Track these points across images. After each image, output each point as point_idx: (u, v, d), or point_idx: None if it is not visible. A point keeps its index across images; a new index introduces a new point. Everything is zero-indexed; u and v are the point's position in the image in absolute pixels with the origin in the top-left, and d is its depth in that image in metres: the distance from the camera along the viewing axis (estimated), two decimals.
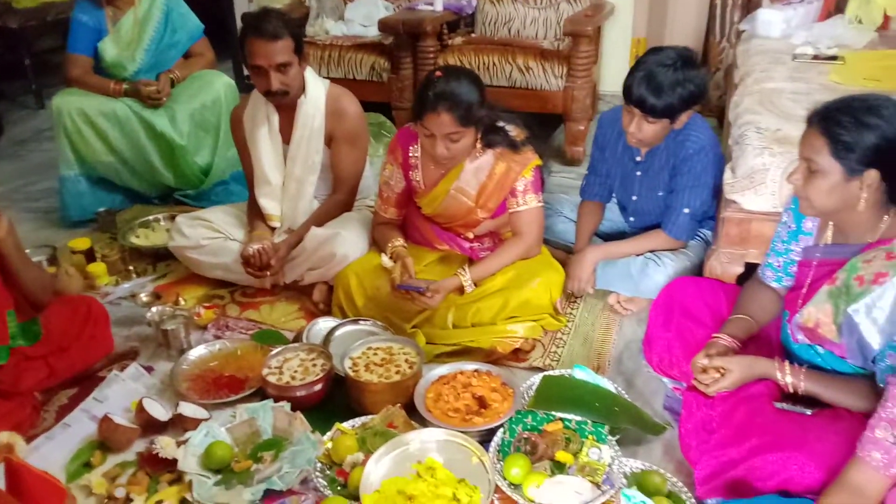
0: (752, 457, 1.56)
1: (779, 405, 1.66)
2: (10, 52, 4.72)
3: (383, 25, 3.61)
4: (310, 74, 2.53)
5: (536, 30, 3.79)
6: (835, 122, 1.53)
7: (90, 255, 2.76)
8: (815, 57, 2.94)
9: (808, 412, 1.63)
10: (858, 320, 1.56)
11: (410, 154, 2.34)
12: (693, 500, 1.67)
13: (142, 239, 2.94)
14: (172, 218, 2.84)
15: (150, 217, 3.06)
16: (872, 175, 1.52)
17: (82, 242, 2.77)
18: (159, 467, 1.83)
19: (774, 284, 1.90)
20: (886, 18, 3.13)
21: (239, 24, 4.53)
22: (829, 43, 3.05)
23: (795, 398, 1.69)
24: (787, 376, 1.68)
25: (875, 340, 1.54)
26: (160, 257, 2.85)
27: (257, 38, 2.33)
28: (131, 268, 2.78)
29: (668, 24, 4.04)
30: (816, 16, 3.33)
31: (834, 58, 2.92)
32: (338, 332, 2.26)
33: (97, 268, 2.69)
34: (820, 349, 1.70)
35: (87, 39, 3.11)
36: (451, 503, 1.63)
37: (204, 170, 3.25)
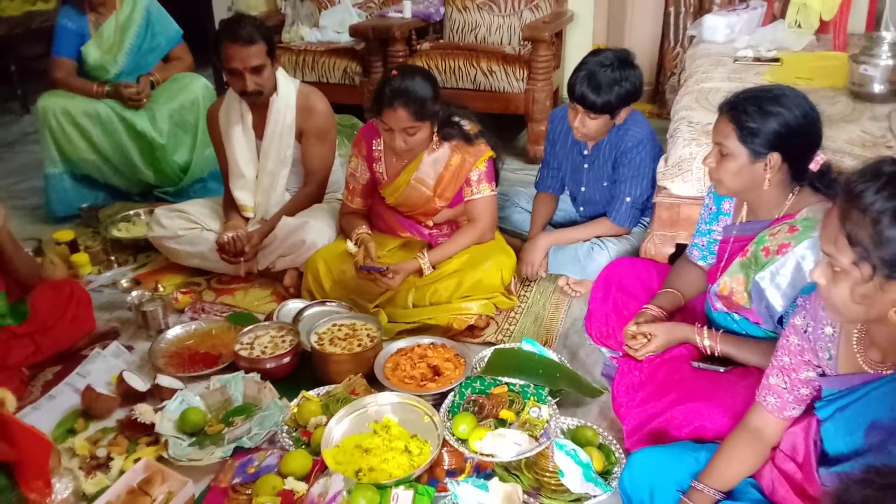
0: (670, 409, 1.74)
1: (696, 364, 1.84)
2: None
3: (354, 31, 3.80)
4: (281, 74, 2.71)
5: (501, 36, 4.00)
6: (741, 110, 1.72)
7: (74, 246, 2.92)
8: (757, 59, 3.16)
9: (722, 370, 1.82)
10: (764, 286, 1.75)
11: (374, 147, 2.52)
12: (621, 452, 1.86)
13: (123, 232, 3.10)
14: (152, 213, 2.99)
15: (131, 212, 3.22)
16: (775, 157, 1.71)
17: (66, 234, 2.93)
18: (138, 431, 1.99)
19: (700, 262, 2.09)
20: (823, 23, 3.36)
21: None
22: (770, 46, 3.27)
23: (713, 359, 1.87)
24: (705, 340, 1.86)
25: (778, 303, 1.74)
26: (140, 249, 3.01)
27: (233, 42, 2.51)
28: (113, 258, 2.94)
29: (626, 31, 4.27)
30: (760, 21, 3.56)
31: (775, 60, 3.14)
32: (306, 313, 2.43)
33: (80, 258, 2.84)
34: (736, 316, 1.89)
35: (71, 44, 3.27)
36: (404, 454, 1.81)
37: (183, 168, 3.41)
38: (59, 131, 3.21)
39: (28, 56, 5.03)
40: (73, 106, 3.20)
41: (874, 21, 3.38)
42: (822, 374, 1.42)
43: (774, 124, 1.68)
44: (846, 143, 2.23)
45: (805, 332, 1.42)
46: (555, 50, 3.83)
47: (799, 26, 3.37)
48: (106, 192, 3.45)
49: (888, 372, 1.26)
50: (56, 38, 3.27)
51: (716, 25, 3.42)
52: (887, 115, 2.43)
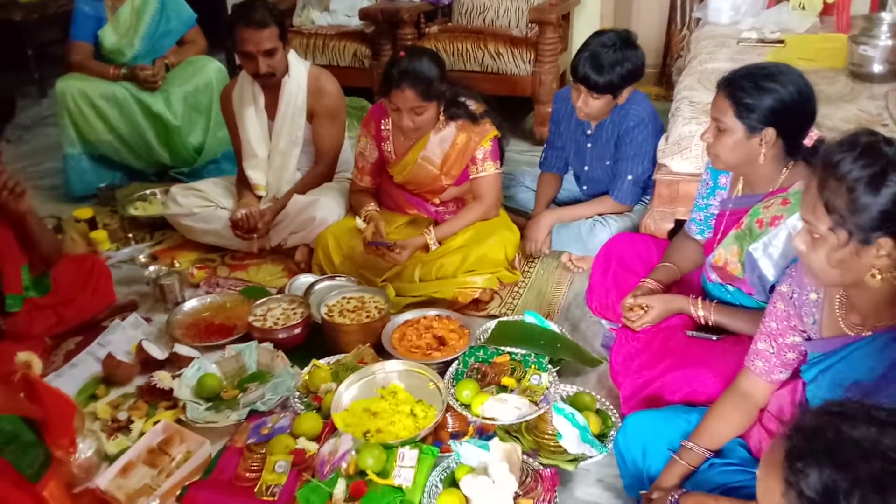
0: (664, 375, 1.81)
1: (690, 333, 1.91)
2: (14, 44, 4.95)
3: (364, 14, 3.87)
4: (293, 57, 2.78)
5: (509, 19, 4.04)
6: (738, 86, 1.77)
7: (92, 224, 3.02)
8: (761, 40, 3.20)
9: (714, 338, 1.89)
10: (757, 257, 1.81)
11: (382, 127, 2.60)
12: (618, 416, 1.94)
13: (140, 210, 3.19)
14: (168, 192, 3.08)
15: (147, 191, 3.31)
16: (770, 133, 1.76)
17: (85, 212, 3.03)
18: (157, 397, 2.09)
19: (698, 237, 2.15)
20: (827, 5, 3.39)
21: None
22: (774, 28, 3.31)
23: (707, 329, 1.94)
24: (700, 310, 1.93)
25: (770, 273, 1.80)
26: (156, 227, 3.10)
27: (246, 26, 2.58)
28: (130, 235, 3.04)
29: (633, 14, 4.31)
30: (765, 3, 3.59)
31: (779, 41, 3.18)
32: (317, 287, 2.52)
33: (99, 234, 2.94)
34: (730, 288, 1.96)
35: (88, 28, 3.36)
36: (409, 418, 1.90)
37: (197, 149, 3.50)
38: (77, 113, 3.30)
39: (45, 41, 5.11)
40: (90, 88, 3.29)
41: (878, 3, 3.40)
42: (808, 339, 1.49)
43: (770, 100, 1.73)
44: (842, 122, 2.28)
45: (791, 298, 1.48)
46: (562, 33, 3.88)
47: (803, 8, 3.40)
48: (122, 173, 3.54)
49: (867, 334, 1.32)
50: (73, 22, 3.36)
51: (720, 7, 3.46)
52: (885, 95, 2.48)
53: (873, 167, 1.14)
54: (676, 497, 1.50)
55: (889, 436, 0.70)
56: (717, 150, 1.84)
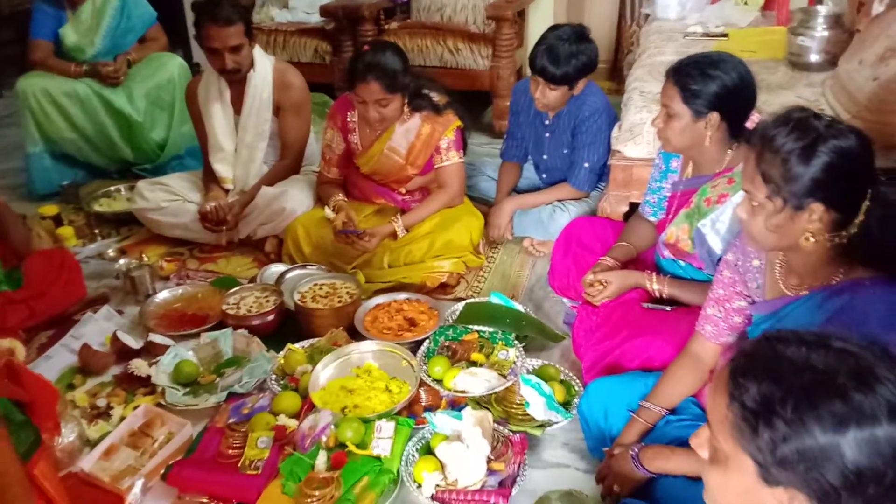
0: (622, 345, 1.94)
1: (645, 305, 2.04)
2: None
3: (325, 11, 3.93)
4: (258, 52, 2.84)
5: (466, 15, 4.14)
6: (685, 74, 1.91)
7: (58, 221, 3.02)
8: (706, 34, 3.37)
9: (668, 309, 2.02)
10: (705, 232, 1.95)
11: (348, 119, 2.68)
12: (580, 386, 2.06)
13: (105, 206, 3.21)
14: (132, 188, 3.11)
15: (112, 188, 3.33)
16: (715, 117, 1.89)
17: (51, 209, 3.04)
18: (134, 384, 2.14)
19: (652, 218, 2.28)
20: (767, 0, 3.58)
21: (189, 14, 4.79)
22: (718, 22, 3.48)
23: (661, 301, 2.08)
24: (654, 284, 2.07)
25: (718, 247, 1.94)
26: (122, 222, 3.13)
27: (213, 23, 2.63)
28: (96, 231, 3.06)
29: (585, 11, 4.46)
30: None
31: (723, 35, 3.36)
32: (288, 275, 2.59)
33: (65, 231, 2.96)
34: (682, 263, 2.09)
35: (48, 26, 3.36)
36: (385, 393, 1.99)
37: (160, 145, 3.52)
38: (40, 111, 3.30)
39: (0, 41, 5.04)
40: (52, 86, 3.29)
41: None
42: (752, 303, 1.62)
43: (714, 86, 1.87)
44: (781, 108, 2.42)
45: (736, 265, 1.62)
46: (517, 29, 4.00)
47: (745, 3, 3.58)
48: (85, 171, 3.54)
49: (805, 293, 1.46)
50: (33, 20, 3.35)
51: (668, 3, 3.62)
52: (822, 83, 2.65)
53: (804, 140, 1.27)
54: (636, 450, 1.62)
55: (817, 354, 0.82)
56: (666, 134, 1.97)
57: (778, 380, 0.81)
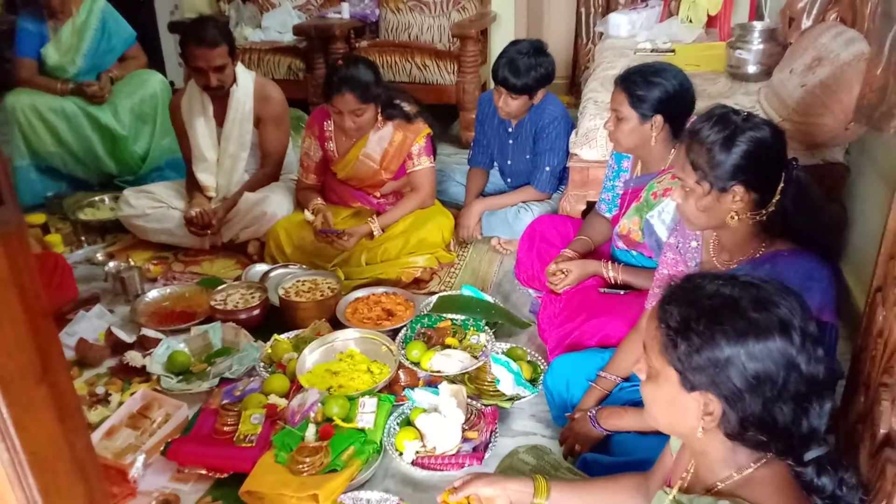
0: (582, 325, 2.15)
1: (602, 290, 2.26)
2: None
3: (297, 30, 4.13)
4: (240, 68, 3.02)
5: (432, 35, 4.37)
6: (631, 81, 2.14)
7: (45, 229, 3.15)
8: (654, 50, 3.64)
9: (622, 293, 2.24)
10: (653, 223, 2.17)
11: (325, 128, 2.87)
12: (545, 364, 2.25)
13: (89, 215, 3.34)
14: (116, 198, 3.25)
15: (96, 198, 3.46)
16: (659, 119, 2.13)
17: (38, 218, 3.16)
18: (130, 374, 2.28)
19: (607, 214, 2.51)
20: (711, 18, 3.88)
21: (164, 36, 4.96)
22: (665, 39, 3.76)
23: (616, 287, 2.29)
24: (610, 271, 2.28)
25: (664, 236, 2.15)
26: (107, 230, 3.26)
27: (198, 45, 2.81)
28: (83, 238, 3.19)
29: (543, 30, 4.74)
30: (658, 18, 4.05)
31: (670, 51, 3.63)
32: (271, 274, 2.75)
33: (53, 238, 3.08)
34: (634, 252, 2.32)
35: (31, 44, 3.50)
36: (367, 374, 2.16)
37: (142, 157, 3.67)
38: (28, 126, 3.43)
39: None
40: (40, 102, 3.43)
41: (755, 14, 3.91)
42: None
43: (657, 92, 2.10)
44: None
45: (677, 247, 1.84)
46: (481, 46, 4.24)
47: (690, 21, 3.87)
48: (68, 183, 3.67)
49: (734, 266, 1.68)
50: (17, 39, 3.49)
51: (619, 22, 3.90)
52: (758, 91, 2.92)
53: (725, 131, 1.50)
54: (594, 412, 1.83)
55: (726, 286, 1.03)
56: (617, 135, 2.20)
57: (694, 304, 1.02)
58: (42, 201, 3.51)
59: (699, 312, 1.01)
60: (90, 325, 2.54)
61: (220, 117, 3.02)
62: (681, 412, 1.05)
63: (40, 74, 3.52)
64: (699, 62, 3.40)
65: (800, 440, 1.00)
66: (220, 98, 2.99)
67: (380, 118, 2.78)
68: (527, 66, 2.74)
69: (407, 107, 2.81)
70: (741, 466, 1.04)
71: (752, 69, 3.05)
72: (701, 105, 2.80)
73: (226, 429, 1.98)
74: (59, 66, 3.52)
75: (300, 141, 2.99)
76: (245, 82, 3.01)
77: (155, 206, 3.05)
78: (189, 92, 3.04)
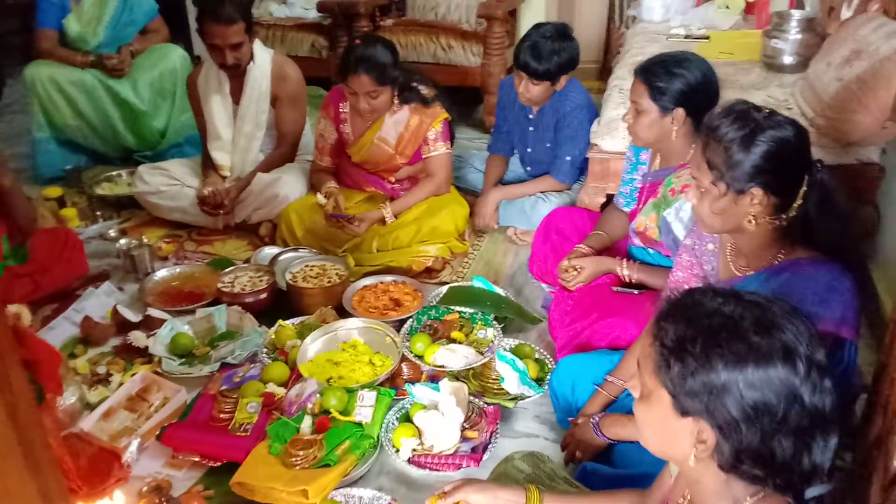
0: (592, 325, 2.07)
1: (615, 289, 2.17)
2: None
3: (321, 6, 4.06)
4: (257, 45, 2.96)
5: (460, 14, 4.26)
6: (652, 72, 2.04)
7: (61, 203, 3.15)
8: (688, 36, 3.50)
9: (636, 293, 2.15)
10: (670, 220, 2.08)
11: (341, 110, 2.80)
12: (553, 363, 2.18)
13: (106, 190, 3.33)
14: (133, 173, 3.23)
15: (113, 172, 3.45)
16: (680, 112, 2.02)
17: (54, 191, 3.16)
18: (133, 354, 2.27)
19: (625, 208, 2.41)
20: (749, 4, 3.72)
21: (191, 8, 4.91)
22: (700, 25, 3.62)
23: (631, 286, 2.21)
24: (625, 269, 2.19)
25: (682, 234, 2.06)
26: (123, 205, 3.25)
27: (215, 22, 2.75)
28: (98, 213, 3.19)
29: (575, 12, 4.59)
30: (694, 2, 3.90)
31: (704, 37, 3.49)
32: (281, 258, 2.71)
33: (69, 212, 3.08)
34: (650, 250, 2.23)
35: (53, 15, 3.47)
36: (368, 366, 2.11)
37: (161, 132, 3.65)
38: (47, 98, 3.42)
39: (4, 31, 5.16)
40: (59, 75, 3.41)
41: (796, 2, 3.73)
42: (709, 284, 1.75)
43: (679, 84, 2.00)
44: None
45: (693, 249, 1.75)
46: (508, 27, 4.12)
47: (727, 7, 3.71)
48: (88, 156, 3.67)
49: (751, 273, 1.59)
50: (39, 10, 3.47)
51: (652, 6, 3.76)
52: (793, 83, 2.78)
53: (744, 129, 1.40)
54: (597, 419, 1.75)
55: (727, 305, 0.95)
56: (635, 128, 2.10)
57: (691, 322, 0.94)
58: (61, 174, 3.51)
59: (696, 332, 0.93)
60: (98, 303, 2.53)
61: (236, 95, 2.98)
62: (672, 437, 0.98)
63: (61, 46, 3.50)
64: (733, 50, 3.26)
65: (801, 476, 0.92)
66: (236, 76, 2.94)
67: (396, 101, 2.70)
68: (550, 51, 2.63)
69: (424, 90, 2.73)
70: (737, 499, 0.97)
71: (787, 60, 2.91)
72: (731, 96, 2.71)
73: (222, 416, 1.96)
74: (81, 38, 3.50)
75: (317, 120, 2.93)
76: (262, 60, 2.95)
77: (169, 183, 3.03)
78: (206, 68, 3.00)
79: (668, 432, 0.98)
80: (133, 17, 3.62)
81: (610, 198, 2.66)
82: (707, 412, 0.92)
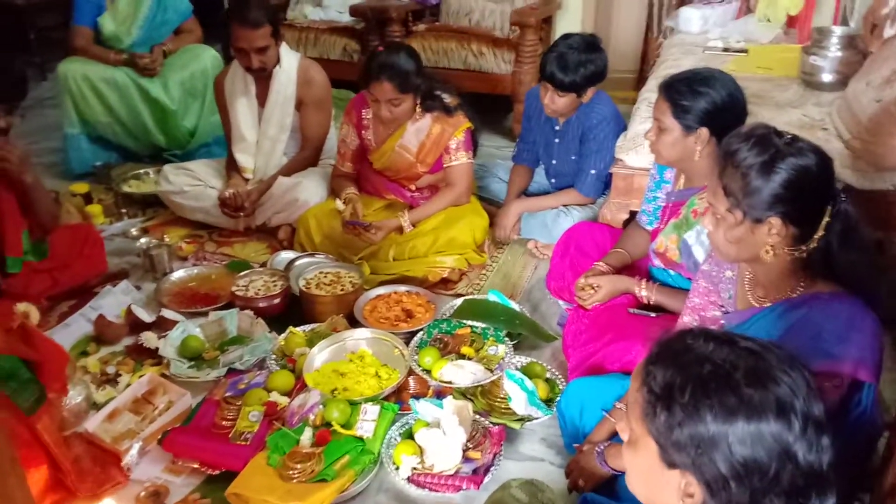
0: (606, 347, 2.00)
1: (632, 310, 2.10)
2: (17, 28, 5.12)
3: (354, 11, 4.06)
4: (284, 49, 2.96)
5: (494, 20, 4.22)
6: (676, 90, 1.96)
7: (88, 199, 3.19)
8: (726, 49, 3.40)
9: (653, 315, 2.08)
10: (691, 243, 2.00)
11: (363, 116, 2.78)
12: (565, 384, 2.12)
13: (133, 188, 3.37)
14: (159, 172, 3.25)
15: (141, 171, 3.49)
16: (704, 132, 1.94)
17: (81, 187, 3.20)
18: (143, 355, 2.27)
19: (648, 226, 2.34)
20: (791, 18, 3.60)
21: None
22: (739, 38, 3.51)
23: (650, 308, 2.13)
24: (643, 290, 2.12)
25: (701, 257, 1.99)
26: (148, 203, 3.28)
27: (241, 25, 2.76)
28: (123, 210, 3.22)
29: (612, 21, 4.51)
30: (734, 14, 3.79)
31: (743, 51, 3.39)
32: (297, 262, 2.70)
33: (94, 208, 3.12)
34: (671, 272, 2.15)
35: (89, 13, 3.53)
36: (374, 378, 2.08)
37: (190, 132, 3.67)
38: (79, 95, 3.47)
39: (46, 25, 5.28)
40: (92, 72, 3.46)
41: (840, 17, 3.60)
42: (726, 313, 1.67)
43: (703, 102, 1.92)
44: (785, 125, 2.47)
45: (711, 275, 1.67)
46: (542, 35, 4.07)
47: (768, 20, 3.60)
48: (118, 153, 3.71)
49: (768, 305, 1.51)
50: (75, 7, 3.52)
51: (691, 17, 3.66)
52: (831, 102, 2.67)
53: (763, 155, 1.33)
54: (602, 448, 1.69)
55: (720, 350, 0.89)
56: (658, 147, 2.03)
57: (681, 368, 0.88)
58: (92, 170, 3.56)
59: (685, 380, 0.87)
60: (115, 301, 2.55)
61: (262, 98, 2.98)
62: (659, 487, 0.92)
63: (96, 44, 3.55)
64: (772, 65, 3.15)
65: None
66: (263, 78, 2.94)
67: (418, 109, 2.67)
68: (576, 63, 2.57)
69: (447, 99, 2.69)
70: None
71: (826, 78, 2.80)
72: (766, 114, 2.61)
73: (224, 423, 1.94)
74: (115, 36, 3.54)
75: (340, 126, 2.91)
76: (289, 64, 2.95)
77: (193, 183, 3.04)
78: (233, 70, 3.00)
79: (655, 482, 0.92)
80: (167, 17, 3.65)
81: (633, 214, 2.59)
82: (694, 466, 0.86)
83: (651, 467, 0.91)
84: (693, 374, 0.87)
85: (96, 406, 2.05)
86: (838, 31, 2.83)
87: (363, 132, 2.80)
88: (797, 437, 0.83)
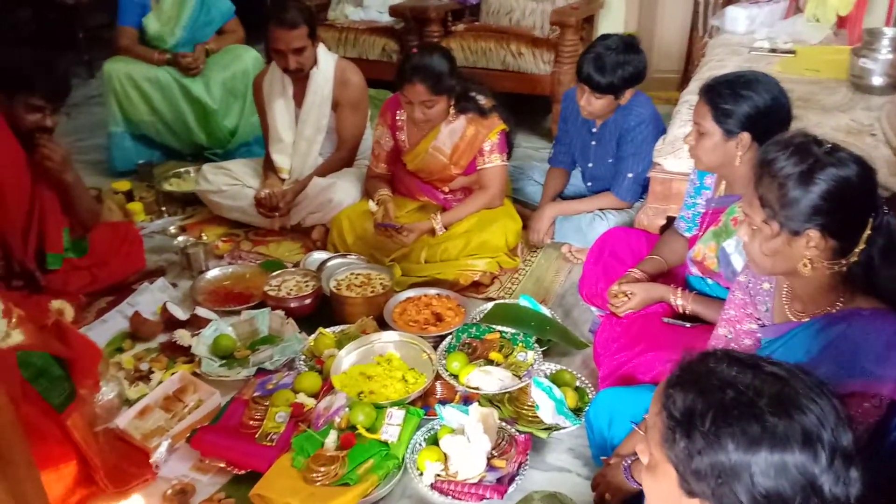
0: (638, 357, 1.95)
1: (666, 320, 2.05)
2: (66, 27, 5.26)
3: (393, 11, 4.05)
4: (321, 50, 2.97)
5: (534, 20, 4.18)
6: (717, 93, 1.90)
7: (129, 196, 3.25)
8: (773, 50, 3.30)
9: (688, 325, 2.02)
10: (729, 252, 1.94)
11: (397, 118, 2.77)
12: (594, 393, 2.08)
13: (174, 186, 3.42)
14: (199, 171, 3.30)
15: (182, 169, 3.54)
16: (746, 137, 1.89)
17: (123, 185, 3.27)
18: (177, 353, 2.30)
19: (686, 233, 2.28)
20: (842, 18, 3.47)
21: None
22: (787, 38, 3.40)
23: (685, 317, 2.08)
24: (679, 299, 2.07)
25: (740, 267, 1.92)
26: (188, 202, 3.33)
27: (278, 26, 2.78)
28: (164, 209, 3.27)
29: (657, 20, 4.42)
30: (783, 14, 3.67)
31: (790, 52, 3.28)
32: (329, 263, 2.70)
33: (135, 206, 3.17)
34: (709, 281, 2.09)
35: (134, 14, 3.60)
36: (401, 382, 2.07)
37: (231, 132, 3.72)
38: (123, 94, 3.54)
39: (94, 25, 5.40)
40: (135, 71, 3.53)
41: (893, 18, 3.47)
42: (762, 326, 1.62)
43: (745, 107, 1.86)
44: (832, 130, 2.39)
45: (747, 287, 1.62)
46: (584, 35, 4.00)
47: (817, 20, 3.48)
48: (161, 151, 3.78)
49: (806, 319, 1.45)
50: (120, 8, 3.60)
51: (737, 16, 3.56)
52: (881, 106, 2.57)
53: (802, 165, 1.27)
54: (629, 462, 1.64)
55: (744, 375, 0.85)
56: (697, 152, 1.97)
57: (702, 394, 0.85)
58: (134, 168, 3.62)
59: (707, 406, 0.83)
60: (151, 298, 2.59)
61: (299, 99, 3.00)
62: None
63: (140, 44, 3.62)
64: (820, 67, 3.05)
65: None
66: (300, 80, 2.95)
67: (452, 111, 2.65)
68: (613, 64, 2.52)
69: (482, 100, 2.67)
70: None
71: (876, 81, 2.69)
72: (813, 118, 2.52)
73: (252, 423, 1.95)
74: (159, 36, 3.60)
75: (375, 126, 2.91)
76: (326, 65, 2.95)
77: (231, 183, 3.08)
78: (271, 71, 3.03)
79: None
80: (210, 17, 3.71)
81: (671, 220, 2.53)
82: (714, 496, 0.82)
83: (670, 494, 0.88)
84: (715, 400, 0.83)
85: (128, 402, 2.08)
86: (890, 32, 2.72)
87: (397, 133, 2.79)
88: (823, 470, 0.78)
